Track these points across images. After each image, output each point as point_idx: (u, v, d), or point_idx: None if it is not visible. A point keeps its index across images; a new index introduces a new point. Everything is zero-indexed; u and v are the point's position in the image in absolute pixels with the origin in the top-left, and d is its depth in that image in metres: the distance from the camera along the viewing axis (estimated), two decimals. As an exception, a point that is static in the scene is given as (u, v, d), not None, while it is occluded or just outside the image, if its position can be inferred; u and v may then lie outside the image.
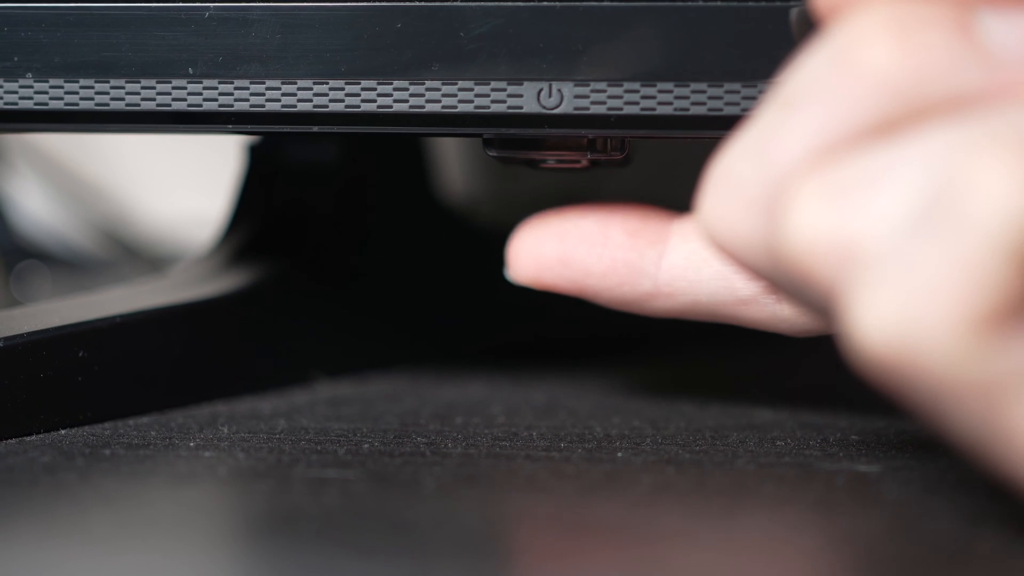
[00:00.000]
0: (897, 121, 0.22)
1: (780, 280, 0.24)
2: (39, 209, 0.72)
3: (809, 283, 0.23)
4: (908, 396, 0.22)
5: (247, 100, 0.31)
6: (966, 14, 0.23)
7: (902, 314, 0.21)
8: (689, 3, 0.30)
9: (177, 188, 0.75)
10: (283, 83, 0.31)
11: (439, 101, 0.31)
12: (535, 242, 0.32)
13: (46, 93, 0.32)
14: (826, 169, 0.22)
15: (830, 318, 0.23)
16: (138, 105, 0.32)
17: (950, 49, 0.22)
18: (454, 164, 0.55)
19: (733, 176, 0.24)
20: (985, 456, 0.22)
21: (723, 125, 0.30)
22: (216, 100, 0.32)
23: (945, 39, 0.22)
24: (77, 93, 0.32)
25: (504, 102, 0.31)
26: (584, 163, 0.33)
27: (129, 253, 0.69)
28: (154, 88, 0.32)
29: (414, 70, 0.31)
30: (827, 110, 0.23)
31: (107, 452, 0.31)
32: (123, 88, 0.32)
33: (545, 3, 0.30)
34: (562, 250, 0.32)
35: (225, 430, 0.34)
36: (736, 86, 0.30)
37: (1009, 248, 0.20)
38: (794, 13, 0.28)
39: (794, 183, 0.23)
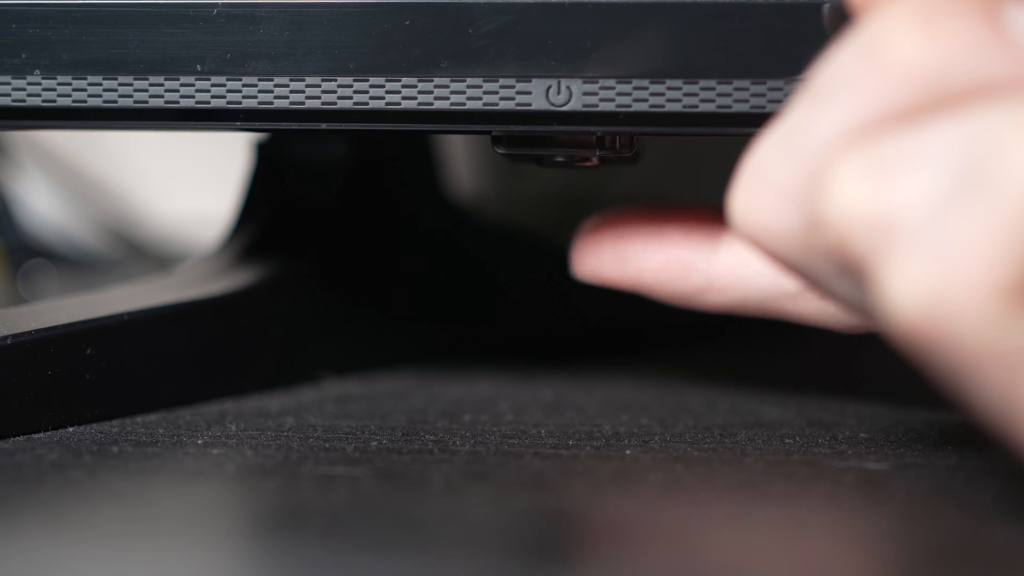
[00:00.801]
0: (924, 109, 0.23)
1: (811, 270, 0.24)
2: (46, 208, 0.72)
3: (845, 259, 0.23)
4: (937, 367, 0.22)
5: (255, 97, 0.31)
6: (992, 6, 0.23)
7: (933, 283, 0.21)
8: (698, 0, 0.29)
9: (185, 187, 0.75)
10: (291, 80, 0.31)
11: (447, 98, 0.31)
12: (595, 240, 0.34)
13: (54, 90, 0.32)
14: (864, 147, 0.23)
15: (861, 302, 0.24)
16: (146, 102, 0.32)
17: (976, 40, 0.23)
18: (462, 162, 0.55)
19: (765, 169, 0.24)
20: (1009, 432, 0.22)
21: (732, 122, 0.30)
22: (224, 97, 0.31)
23: (971, 30, 0.23)
24: (85, 90, 0.32)
25: (513, 99, 0.30)
26: (593, 161, 0.33)
27: (137, 252, 0.69)
28: (162, 85, 0.32)
29: (422, 67, 0.31)
30: (856, 100, 0.23)
31: (115, 449, 0.31)
32: (131, 85, 0.32)
33: (554, 0, 0.30)
34: (619, 248, 0.33)
35: (233, 428, 0.34)
36: (745, 83, 0.30)
37: None
38: (827, 8, 0.29)
39: (833, 160, 0.23)
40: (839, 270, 0.24)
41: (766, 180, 0.24)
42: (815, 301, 0.32)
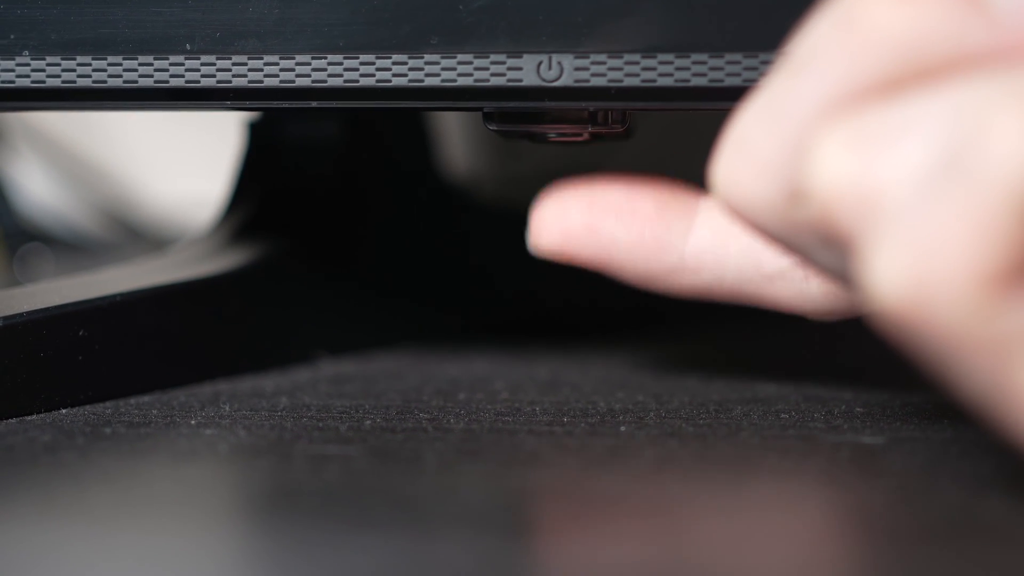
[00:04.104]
0: (903, 81, 0.23)
1: (794, 241, 0.24)
2: (42, 191, 0.72)
3: (829, 231, 0.23)
4: (919, 351, 0.22)
5: (245, 76, 0.31)
6: None
7: (916, 268, 0.21)
8: (689, -27, 0.29)
9: (181, 170, 0.75)
10: (281, 58, 0.31)
11: (438, 75, 0.31)
12: (561, 210, 0.31)
13: (43, 71, 0.32)
14: (849, 120, 0.23)
15: (846, 273, 0.24)
16: (136, 82, 0.32)
17: (954, 11, 0.22)
18: (457, 141, 0.54)
19: (746, 140, 0.24)
20: (991, 415, 0.22)
21: (724, 96, 0.29)
22: (214, 76, 0.31)
23: (949, 1, 0.22)
24: (74, 71, 0.32)
25: (504, 75, 0.30)
26: (585, 136, 0.33)
27: (133, 235, 0.69)
28: (152, 65, 0.31)
29: (413, 44, 0.31)
30: (835, 70, 0.23)
31: (108, 431, 0.31)
32: (120, 65, 0.32)
33: (544, -25, 0.30)
34: (589, 219, 0.31)
35: (227, 408, 0.34)
36: (737, 57, 0.29)
37: (1022, 206, 0.21)
38: None
39: (816, 132, 0.23)
40: (822, 242, 0.24)
41: (747, 151, 0.24)
42: (794, 284, 0.31)
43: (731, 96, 0.29)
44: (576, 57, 0.30)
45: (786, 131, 0.24)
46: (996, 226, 0.21)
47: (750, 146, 0.24)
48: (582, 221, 0.31)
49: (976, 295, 0.21)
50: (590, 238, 0.31)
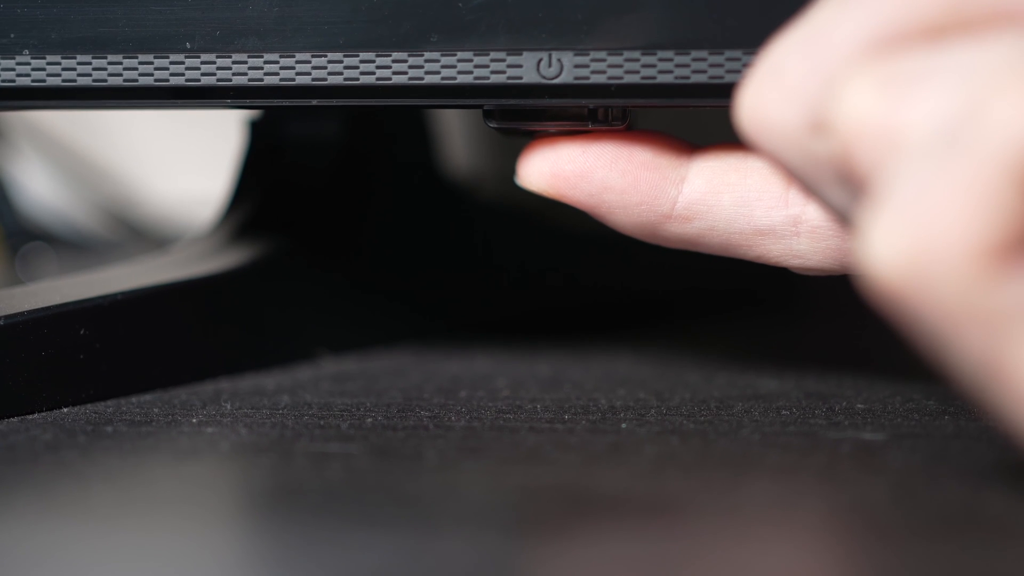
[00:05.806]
0: (946, 28, 0.23)
1: (810, 174, 0.25)
2: (44, 191, 0.72)
3: (846, 168, 0.23)
4: (913, 324, 0.22)
5: (245, 74, 0.31)
6: None
7: (913, 239, 0.21)
8: (688, -30, 0.29)
9: (182, 168, 0.75)
10: (281, 56, 0.31)
11: (438, 72, 0.31)
12: (553, 151, 0.31)
13: (43, 70, 0.32)
14: (885, 60, 0.23)
15: (848, 216, 0.24)
16: (136, 81, 0.32)
17: None
18: (457, 138, 0.54)
19: (779, 67, 0.25)
20: (982, 391, 0.22)
21: (724, 93, 0.29)
22: (214, 75, 0.31)
23: None
24: (75, 69, 0.32)
25: (504, 72, 0.30)
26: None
27: (135, 234, 0.69)
28: (152, 63, 0.31)
29: (413, 41, 0.31)
30: (880, 8, 0.23)
31: (109, 429, 0.31)
32: (121, 64, 0.32)
33: (543, -28, 0.30)
34: (583, 161, 0.31)
35: (228, 406, 0.34)
36: (737, 53, 0.29)
37: (1020, 179, 0.21)
38: None
39: (851, 68, 0.23)
40: (836, 178, 0.24)
41: (780, 77, 0.24)
42: (783, 240, 0.31)
43: (731, 93, 0.29)
44: (576, 54, 0.30)
45: (822, 62, 0.24)
46: (992, 198, 0.21)
47: (782, 73, 0.24)
48: (575, 163, 0.31)
49: (971, 268, 0.21)
50: (582, 180, 0.31)
